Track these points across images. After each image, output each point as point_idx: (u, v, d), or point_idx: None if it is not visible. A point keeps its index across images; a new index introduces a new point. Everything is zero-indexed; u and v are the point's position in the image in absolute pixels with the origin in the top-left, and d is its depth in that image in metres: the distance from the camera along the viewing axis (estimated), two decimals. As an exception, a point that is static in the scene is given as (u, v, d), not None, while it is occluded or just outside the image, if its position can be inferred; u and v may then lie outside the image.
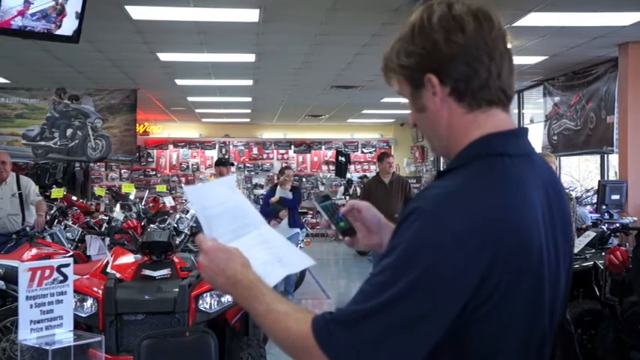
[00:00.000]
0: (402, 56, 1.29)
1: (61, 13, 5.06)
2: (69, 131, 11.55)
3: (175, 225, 6.56)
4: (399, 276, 1.13)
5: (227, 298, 4.52)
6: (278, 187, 9.27)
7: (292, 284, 8.79)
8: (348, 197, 16.27)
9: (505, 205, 1.18)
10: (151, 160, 17.97)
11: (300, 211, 11.61)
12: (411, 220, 1.17)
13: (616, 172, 9.20)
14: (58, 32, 5.10)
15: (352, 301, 1.18)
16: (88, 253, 6.88)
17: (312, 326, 1.17)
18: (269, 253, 1.43)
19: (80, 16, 5.32)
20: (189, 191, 1.43)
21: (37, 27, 5.03)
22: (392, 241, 1.19)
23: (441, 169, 1.31)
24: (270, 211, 8.83)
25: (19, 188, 7.42)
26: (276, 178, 10.86)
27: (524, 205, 1.20)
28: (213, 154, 18.03)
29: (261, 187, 17.69)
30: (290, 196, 9.10)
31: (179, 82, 11.15)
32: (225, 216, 1.42)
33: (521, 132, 1.30)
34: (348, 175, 17.70)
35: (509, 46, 1.29)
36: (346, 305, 1.19)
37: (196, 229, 6.71)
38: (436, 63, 1.24)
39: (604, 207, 7.98)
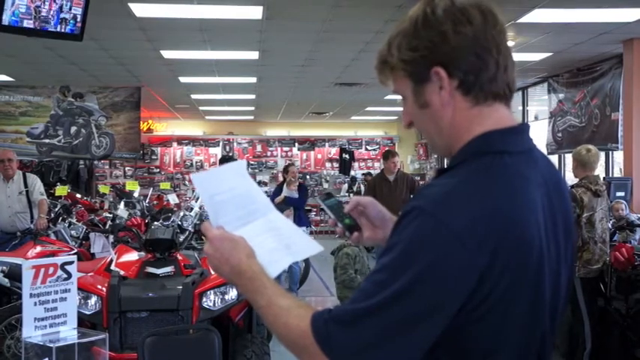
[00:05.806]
0: (405, 50, 1.26)
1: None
2: (73, 129, 11.57)
3: (179, 222, 6.54)
4: (397, 275, 1.12)
5: (231, 296, 4.52)
6: (284, 186, 9.23)
7: (296, 282, 8.77)
8: (351, 194, 16.28)
9: (504, 204, 1.16)
10: (155, 157, 17.99)
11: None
12: (409, 218, 1.16)
13: (621, 169, 9.17)
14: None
15: (352, 300, 1.17)
16: (92, 251, 6.91)
17: (311, 324, 1.17)
18: (276, 241, 1.41)
19: (83, 14, 5.32)
20: (196, 178, 1.41)
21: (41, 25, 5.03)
22: (390, 239, 1.18)
23: (445, 166, 1.29)
24: None
25: (25, 186, 7.43)
26: (281, 176, 10.82)
27: (524, 204, 1.19)
28: (217, 152, 18.04)
29: (265, 184, 17.69)
30: (296, 195, 9.08)
31: (183, 79, 11.15)
32: (232, 202, 1.40)
33: (522, 129, 1.29)
34: (352, 173, 17.70)
35: (509, 42, 1.29)
36: (346, 303, 1.18)
37: (200, 226, 6.70)
38: (445, 55, 1.22)
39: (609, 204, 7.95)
